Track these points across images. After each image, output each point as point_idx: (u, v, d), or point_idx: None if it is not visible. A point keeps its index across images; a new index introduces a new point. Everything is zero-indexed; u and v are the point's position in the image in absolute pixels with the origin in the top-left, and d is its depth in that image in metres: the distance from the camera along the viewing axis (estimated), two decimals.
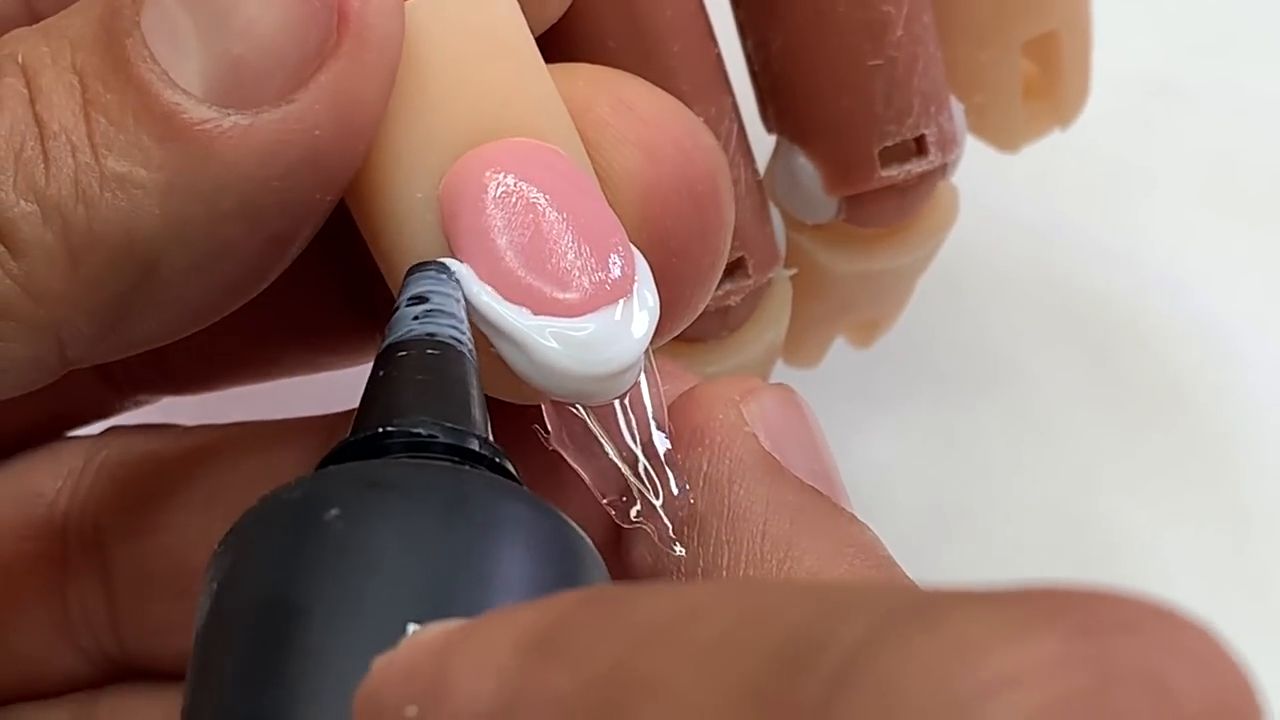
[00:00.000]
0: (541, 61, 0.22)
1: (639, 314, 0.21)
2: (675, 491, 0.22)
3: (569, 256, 0.21)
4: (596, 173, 0.22)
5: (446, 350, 0.20)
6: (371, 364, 0.21)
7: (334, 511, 0.18)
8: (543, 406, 0.22)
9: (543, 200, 0.21)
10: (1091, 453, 0.41)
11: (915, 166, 0.31)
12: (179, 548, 0.25)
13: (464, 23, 0.22)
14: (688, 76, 0.28)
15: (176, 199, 0.20)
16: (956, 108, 0.32)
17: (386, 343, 0.21)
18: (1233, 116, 0.46)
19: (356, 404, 0.21)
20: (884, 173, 0.30)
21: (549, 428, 0.22)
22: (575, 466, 0.22)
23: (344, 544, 0.18)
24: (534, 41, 0.22)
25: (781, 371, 0.38)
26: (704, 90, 0.29)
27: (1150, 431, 0.42)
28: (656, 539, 0.22)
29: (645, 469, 0.22)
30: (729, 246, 0.24)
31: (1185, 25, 0.47)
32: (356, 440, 0.20)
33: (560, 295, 0.21)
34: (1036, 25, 0.34)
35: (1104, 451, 0.42)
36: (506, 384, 0.22)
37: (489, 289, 0.21)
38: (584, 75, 0.23)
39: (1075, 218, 0.44)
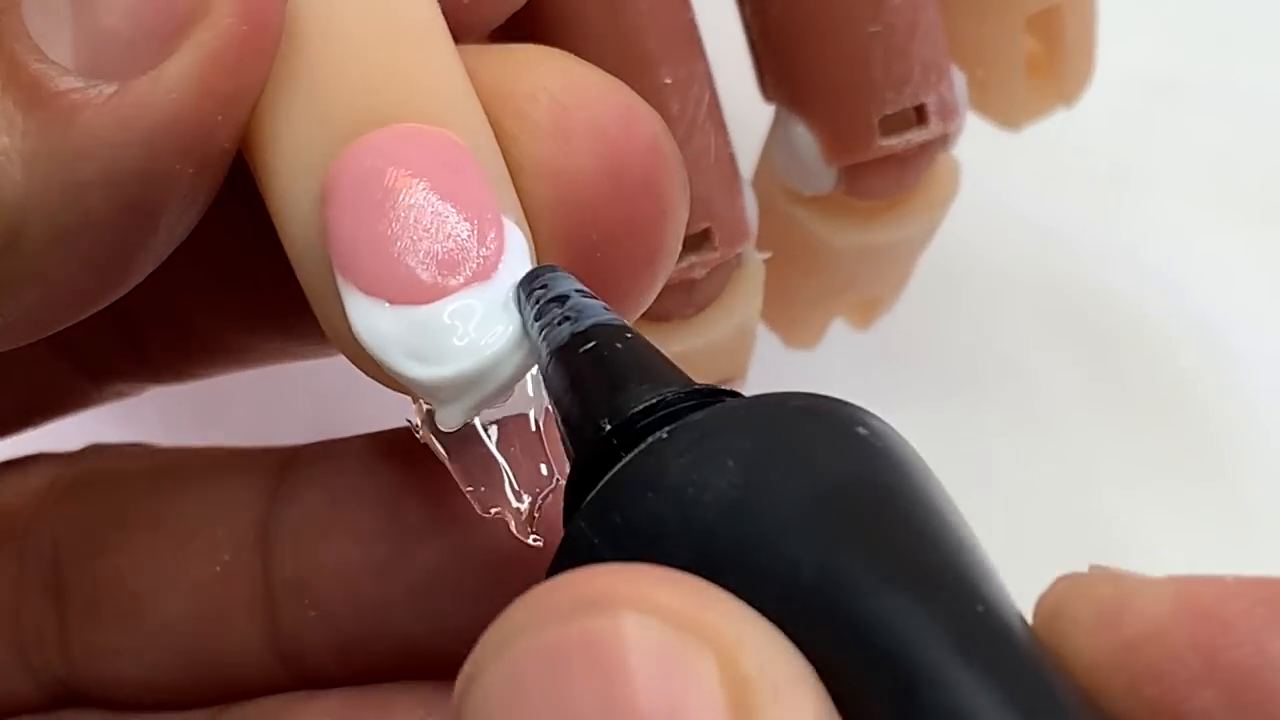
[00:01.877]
0: (448, 42, 0.22)
1: (496, 313, 0.21)
2: (544, 471, 0.22)
3: (433, 249, 0.21)
4: (510, 163, 0.22)
5: (616, 336, 0.20)
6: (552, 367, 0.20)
7: (860, 429, 0.18)
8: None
9: (414, 190, 0.21)
10: (1091, 451, 0.41)
11: (915, 136, 0.30)
12: (128, 571, 0.25)
13: (361, 3, 0.21)
14: (656, 36, 0.28)
15: (39, 166, 0.20)
16: (958, 77, 0.31)
17: (563, 342, 0.20)
18: (1234, 116, 0.46)
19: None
20: (883, 142, 0.30)
21: (418, 419, 0.22)
22: (439, 455, 0.22)
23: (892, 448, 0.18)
24: (443, 22, 0.22)
25: (781, 366, 0.38)
26: (673, 52, 0.28)
27: (1150, 430, 0.42)
28: (514, 529, 0.22)
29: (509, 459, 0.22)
30: (676, 237, 0.23)
31: (1187, 24, 0.48)
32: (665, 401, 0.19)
33: (411, 288, 0.20)
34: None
35: (1104, 450, 0.41)
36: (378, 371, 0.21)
37: (347, 282, 0.21)
38: (504, 58, 0.22)
39: (1076, 216, 0.44)
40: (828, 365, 0.40)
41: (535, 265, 0.21)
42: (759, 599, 0.17)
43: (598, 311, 0.20)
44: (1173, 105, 0.46)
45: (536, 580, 0.23)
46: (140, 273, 0.22)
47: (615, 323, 0.20)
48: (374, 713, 0.24)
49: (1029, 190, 0.44)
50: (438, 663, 0.24)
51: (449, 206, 0.21)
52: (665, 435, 0.18)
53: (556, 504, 0.21)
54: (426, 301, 0.20)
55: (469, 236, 0.21)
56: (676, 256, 0.23)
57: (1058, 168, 0.44)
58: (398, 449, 0.24)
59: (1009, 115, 0.36)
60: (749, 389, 0.33)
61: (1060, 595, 0.18)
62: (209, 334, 0.26)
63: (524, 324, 0.21)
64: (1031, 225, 0.44)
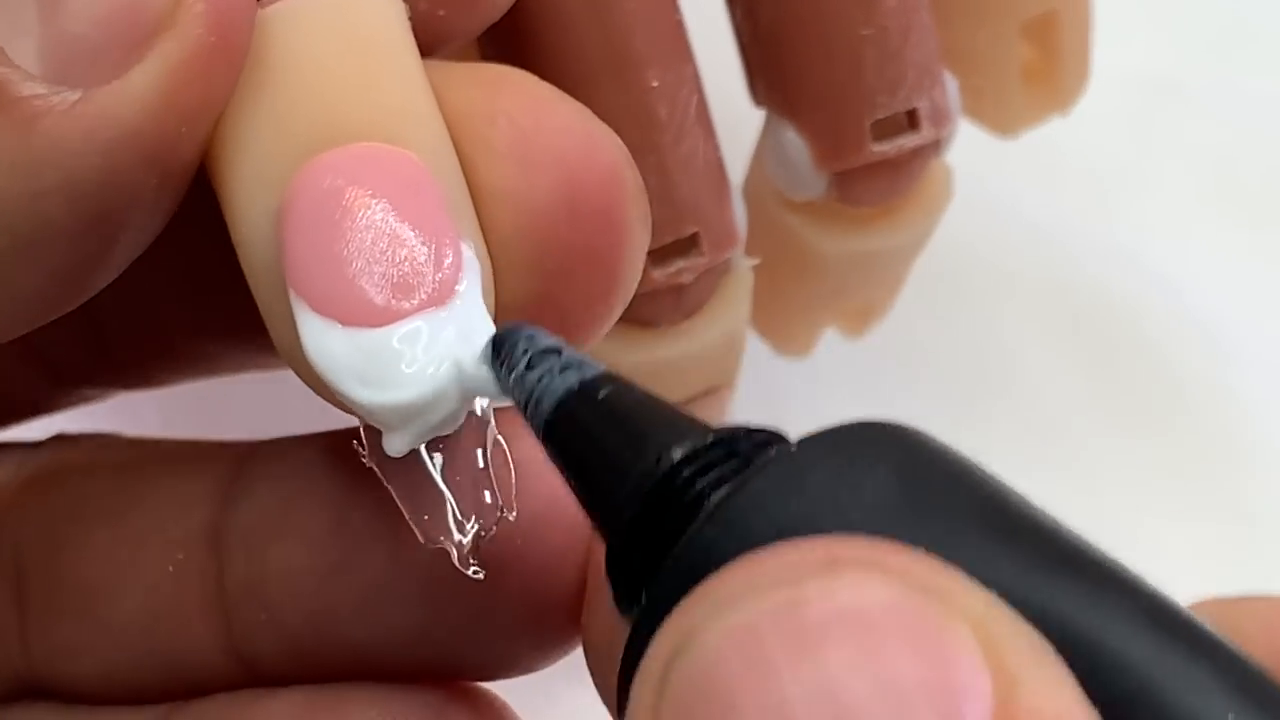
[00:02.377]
0: (415, 62, 0.22)
1: (448, 342, 0.20)
2: (488, 500, 0.22)
3: (388, 271, 0.20)
4: (469, 187, 0.22)
5: (626, 383, 0.20)
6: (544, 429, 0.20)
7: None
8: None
9: (371, 211, 0.20)
10: (1091, 452, 0.41)
11: (908, 141, 0.30)
12: (87, 567, 0.25)
13: (329, 22, 0.21)
14: (644, 37, 0.28)
15: (0, 174, 0.20)
16: (951, 83, 0.31)
17: (559, 401, 0.20)
18: (1234, 116, 0.46)
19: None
20: (875, 147, 0.30)
21: (365, 442, 0.22)
22: (386, 484, 0.22)
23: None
24: (412, 41, 0.22)
25: (780, 367, 0.38)
26: (661, 54, 0.28)
27: (1150, 431, 0.42)
28: (456, 561, 0.21)
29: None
30: (634, 267, 0.23)
31: (1187, 24, 0.47)
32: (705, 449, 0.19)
33: (364, 310, 0.20)
34: (1036, 4, 0.34)
35: (1104, 451, 0.41)
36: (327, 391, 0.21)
37: (300, 301, 0.20)
38: (467, 78, 0.22)
39: (1076, 217, 0.44)
40: (827, 366, 0.40)
41: (491, 289, 0.21)
42: None
43: (597, 363, 0.20)
44: (1173, 105, 0.46)
45: (484, 590, 0.23)
46: (101, 282, 0.22)
47: (617, 374, 0.20)
48: (327, 713, 0.24)
49: (1029, 191, 0.44)
50: (387, 667, 0.24)
51: (406, 229, 0.20)
52: (792, 449, 0.18)
53: (502, 537, 0.21)
54: (379, 324, 0.20)
55: (425, 260, 0.20)
56: (634, 287, 0.23)
57: (1057, 168, 0.44)
58: (352, 449, 0.24)
59: (1004, 123, 0.35)
60: (741, 397, 0.34)
61: (1219, 614, 0.18)
62: (175, 341, 0.26)
63: (498, 369, 0.20)
64: (1031, 226, 0.44)
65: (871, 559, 0.16)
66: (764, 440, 0.19)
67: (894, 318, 0.38)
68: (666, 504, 0.19)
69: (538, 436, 0.20)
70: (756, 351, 0.36)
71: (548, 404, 0.20)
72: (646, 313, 0.29)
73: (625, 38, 0.28)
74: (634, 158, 0.28)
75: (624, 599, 0.19)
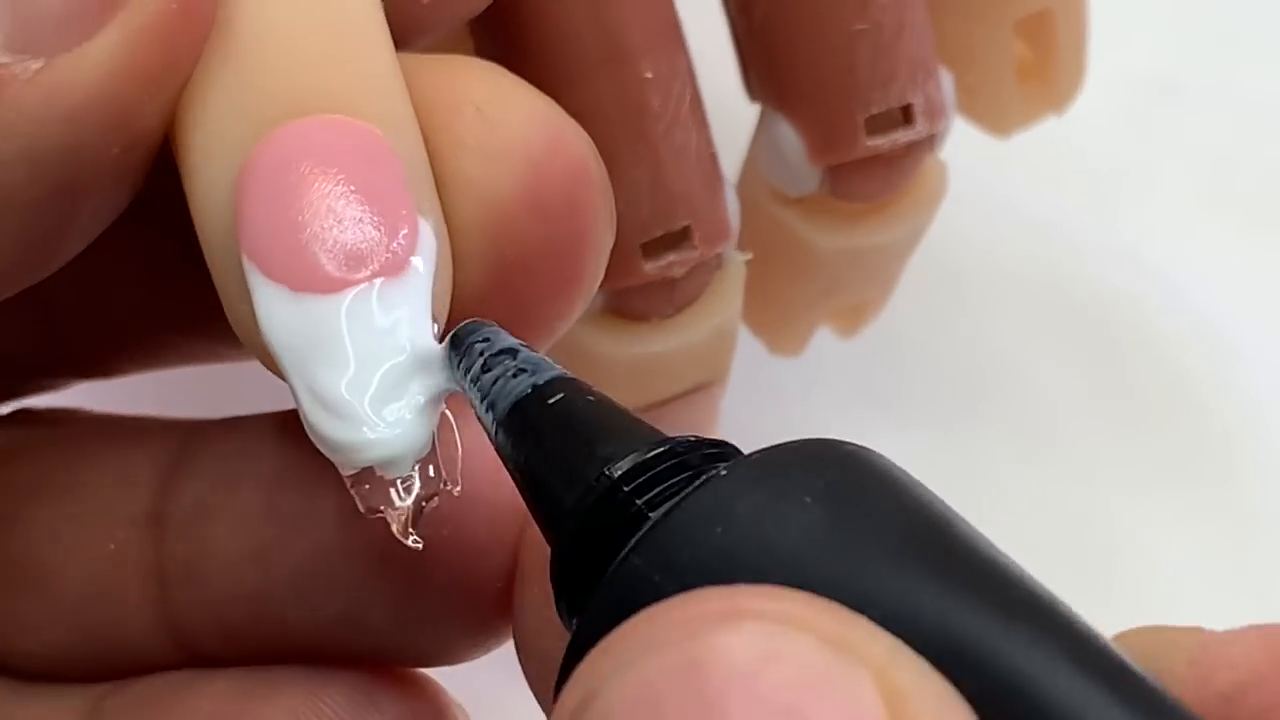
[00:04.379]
0: (384, 39, 0.22)
1: (396, 319, 0.20)
2: (430, 474, 0.21)
3: (341, 239, 0.20)
4: (435, 177, 0.22)
5: (581, 388, 0.20)
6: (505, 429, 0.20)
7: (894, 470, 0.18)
8: None
9: (329, 180, 0.20)
10: (1091, 452, 0.41)
11: (902, 136, 0.30)
12: (35, 543, 0.25)
13: None
14: (638, 28, 0.28)
15: None
16: (945, 78, 0.31)
17: (523, 394, 0.20)
18: (1233, 116, 0.46)
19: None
20: (869, 141, 0.30)
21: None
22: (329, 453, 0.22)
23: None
24: (382, 18, 0.22)
25: (775, 366, 0.38)
26: (654, 45, 0.28)
27: (1150, 431, 0.41)
28: (395, 529, 0.21)
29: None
30: (596, 264, 0.23)
31: (1186, 25, 0.47)
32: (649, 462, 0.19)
33: (315, 276, 0.20)
34: (1030, 2, 0.34)
35: (1104, 451, 0.41)
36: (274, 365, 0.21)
37: (253, 266, 0.20)
38: (435, 68, 0.22)
39: (1075, 217, 0.44)
40: (826, 365, 0.40)
41: (450, 273, 0.21)
42: None
43: (553, 366, 0.20)
44: (1172, 105, 0.46)
45: (413, 576, 0.23)
46: (66, 253, 0.22)
47: (573, 377, 0.20)
48: (260, 696, 0.24)
49: (1028, 190, 0.44)
50: (320, 651, 0.24)
51: (363, 200, 0.20)
52: (724, 472, 0.18)
53: (445, 508, 0.21)
54: (328, 292, 0.20)
55: (380, 231, 0.20)
56: (597, 285, 0.23)
57: (1057, 168, 0.44)
58: (290, 430, 0.24)
59: (999, 122, 0.35)
60: (736, 396, 0.33)
61: (1146, 647, 0.18)
62: (132, 331, 0.26)
63: (454, 366, 0.20)
64: (1031, 225, 0.44)
65: (774, 610, 0.16)
66: (712, 454, 0.19)
67: (892, 316, 0.39)
68: (609, 518, 0.19)
69: (491, 439, 0.20)
70: (752, 349, 0.36)
71: (501, 407, 0.20)
72: (637, 306, 0.29)
73: (619, 28, 0.28)
74: (626, 149, 0.28)
75: (567, 609, 0.19)
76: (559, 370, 0.20)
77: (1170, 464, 0.41)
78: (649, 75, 0.28)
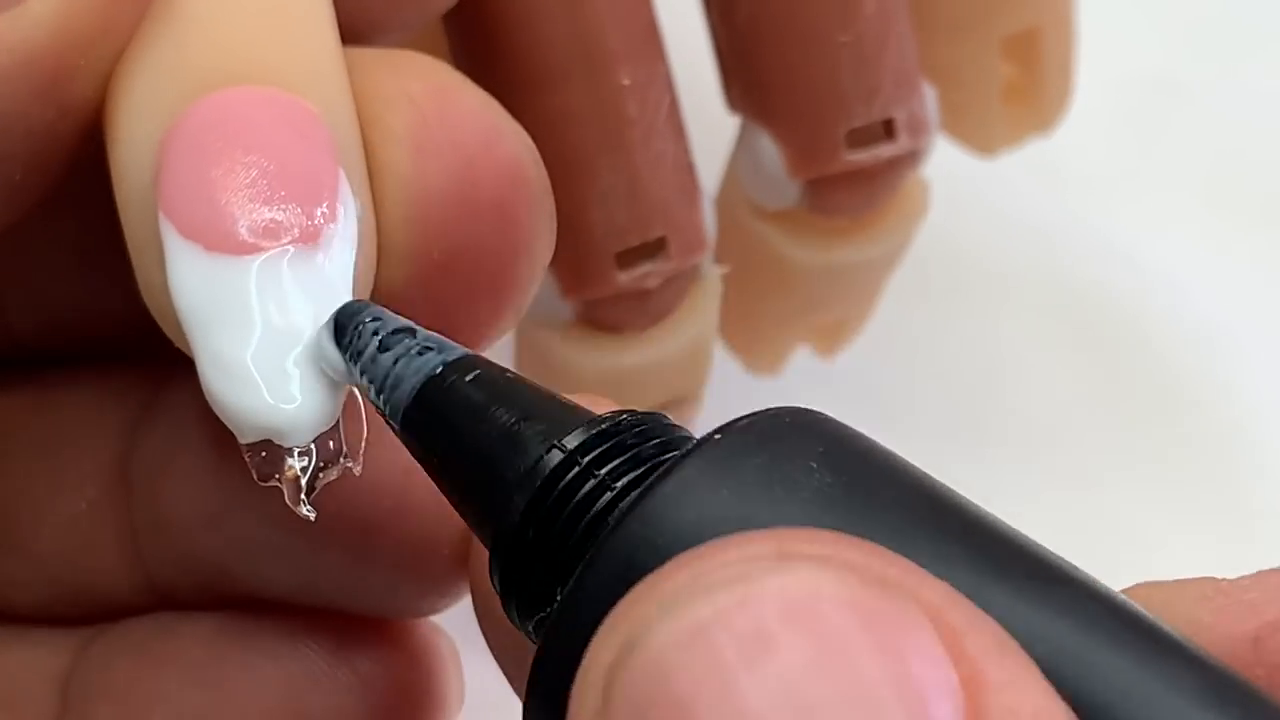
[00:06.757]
0: (329, 26, 0.21)
1: (306, 291, 0.20)
2: (331, 447, 0.21)
3: (259, 204, 0.20)
4: (368, 170, 0.21)
5: (494, 367, 0.19)
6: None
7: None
8: None
9: (254, 146, 0.20)
10: (1090, 452, 0.41)
11: (883, 151, 0.30)
12: (11, 499, 0.24)
13: None
14: (616, 34, 0.28)
15: None
16: (929, 94, 0.31)
17: (423, 383, 0.19)
18: (1234, 116, 0.46)
19: None
20: (850, 155, 0.29)
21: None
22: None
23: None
24: (329, 6, 0.21)
25: (755, 384, 0.38)
26: (633, 52, 0.28)
27: (1151, 431, 0.41)
28: (287, 498, 0.21)
29: None
30: (530, 270, 0.22)
31: (1186, 24, 0.47)
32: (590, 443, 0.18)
33: (229, 238, 0.20)
34: (1017, 20, 0.33)
35: (1104, 451, 0.41)
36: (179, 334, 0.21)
37: (168, 224, 0.20)
38: (377, 62, 0.22)
39: (1075, 217, 0.44)
40: (826, 366, 0.40)
41: (373, 258, 0.21)
42: None
43: (457, 345, 0.19)
44: (1173, 105, 0.46)
45: (362, 540, 0.22)
46: (2, 223, 0.21)
47: (481, 356, 0.19)
48: (237, 639, 0.24)
49: (1027, 191, 0.44)
50: (285, 604, 0.24)
51: (287, 168, 0.20)
52: (719, 438, 0.17)
53: (342, 481, 0.21)
54: (241, 253, 0.20)
55: (301, 201, 0.20)
56: (531, 293, 0.22)
57: (1056, 168, 0.44)
58: None
59: (984, 142, 0.35)
60: (722, 409, 0.33)
61: (1163, 600, 0.18)
62: (78, 321, 0.26)
63: (343, 350, 0.19)
64: (1031, 225, 0.44)
65: (823, 552, 0.16)
66: (654, 431, 0.18)
67: (891, 317, 0.38)
68: (558, 503, 0.18)
69: (393, 426, 0.19)
70: (735, 368, 0.36)
71: (405, 390, 0.19)
72: (610, 317, 0.28)
73: (597, 33, 0.28)
74: (602, 156, 0.28)
75: (519, 606, 0.18)
76: (464, 350, 0.19)
77: (1169, 463, 0.41)
78: (626, 82, 0.28)
